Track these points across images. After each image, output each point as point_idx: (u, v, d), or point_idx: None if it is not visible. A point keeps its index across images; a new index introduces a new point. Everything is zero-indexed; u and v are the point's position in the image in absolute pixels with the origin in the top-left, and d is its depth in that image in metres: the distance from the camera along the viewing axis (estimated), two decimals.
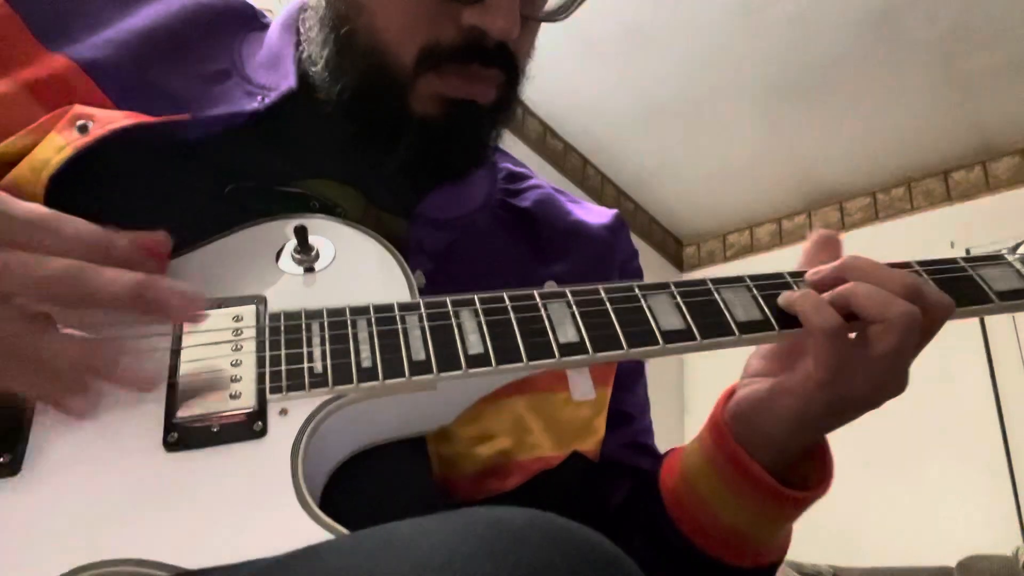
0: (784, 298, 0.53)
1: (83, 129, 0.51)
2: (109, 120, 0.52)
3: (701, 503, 0.58)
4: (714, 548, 0.58)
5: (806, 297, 0.52)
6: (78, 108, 0.52)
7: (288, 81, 0.61)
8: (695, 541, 0.58)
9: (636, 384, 0.73)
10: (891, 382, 0.52)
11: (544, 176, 0.78)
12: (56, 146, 0.50)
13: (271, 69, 0.63)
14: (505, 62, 0.60)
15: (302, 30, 0.63)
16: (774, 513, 0.56)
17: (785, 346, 0.57)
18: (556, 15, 0.63)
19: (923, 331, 0.52)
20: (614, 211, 0.77)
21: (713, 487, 0.57)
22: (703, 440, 0.58)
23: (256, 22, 0.69)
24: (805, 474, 0.57)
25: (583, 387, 0.62)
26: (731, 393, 0.59)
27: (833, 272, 0.54)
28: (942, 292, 0.54)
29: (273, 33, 0.66)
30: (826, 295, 0.52)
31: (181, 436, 0.43)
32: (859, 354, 0.51)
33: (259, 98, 0.60)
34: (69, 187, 0.50)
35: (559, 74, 2.90)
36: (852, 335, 0.52)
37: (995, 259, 0.59)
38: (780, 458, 0.55)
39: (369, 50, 0.58)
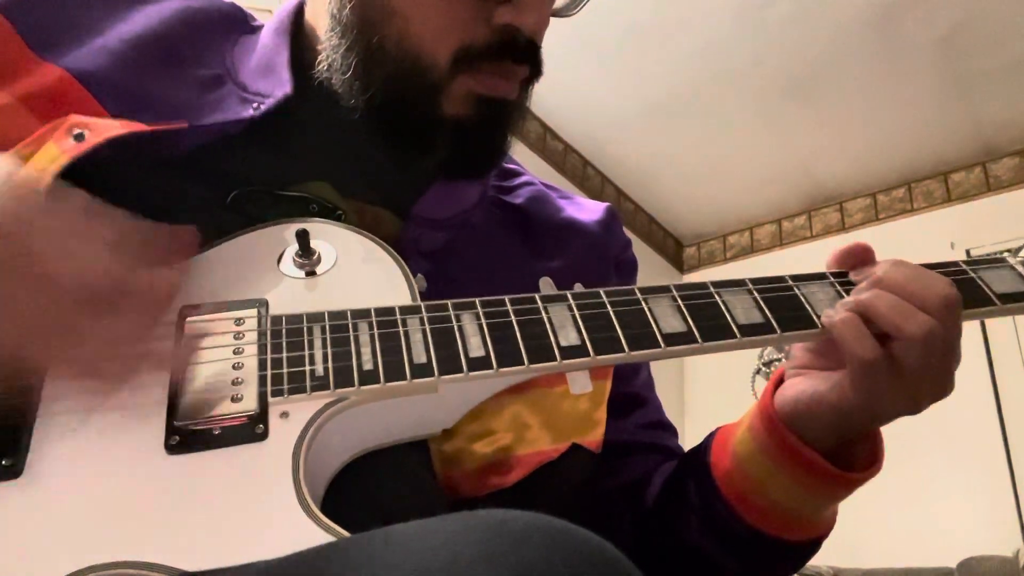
0: (827, 318, 0.53)
1: (79, 138, 0.51)
2: (105, 129, 0.52)
3: (756, 485, 0.58)
4: (770, 526, 0.58)
5: (848, 325, 0.52)
6: (75, 118, 0.52)
7: (284, 88, 0.61)
8: (750, 520, 0.59)
9: (640, 366, 0.75)
10: (927, 391, 0.52)
11: (544, 177, 0.79)
12: (51, 155, 0.50)
13: (265, 75, 0.63)
14: (533, 58, 0.61)
15: (321, 35, 0.63)
16: (829, 492, 0.57)
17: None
18: (567, 10, 0.64)
19: (948, 343, 0.51)
20: (605, 204, 0.77)
21: (768, 471, 0.57)
22: (754, 428, 0.58)
23: (246, 25, 0.69)
24: (855, 454, 0.57)
25: (580, 380, 0.63)
26: (779, 380, 0.59)
27: (868, 284, 0.54)
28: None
29: (266, 38, 0.66)
30: (849, 299, 0.52)
31: (183, 439, 0.43)
32: (891, 371, 0.51)
33: (255, 105, 0.60)
34: None
35: (559, 74, 2.90)
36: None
37: (996, 262, 0.60)
38: (831, 444, 0.56)
39: (401, 55, 0.58)
